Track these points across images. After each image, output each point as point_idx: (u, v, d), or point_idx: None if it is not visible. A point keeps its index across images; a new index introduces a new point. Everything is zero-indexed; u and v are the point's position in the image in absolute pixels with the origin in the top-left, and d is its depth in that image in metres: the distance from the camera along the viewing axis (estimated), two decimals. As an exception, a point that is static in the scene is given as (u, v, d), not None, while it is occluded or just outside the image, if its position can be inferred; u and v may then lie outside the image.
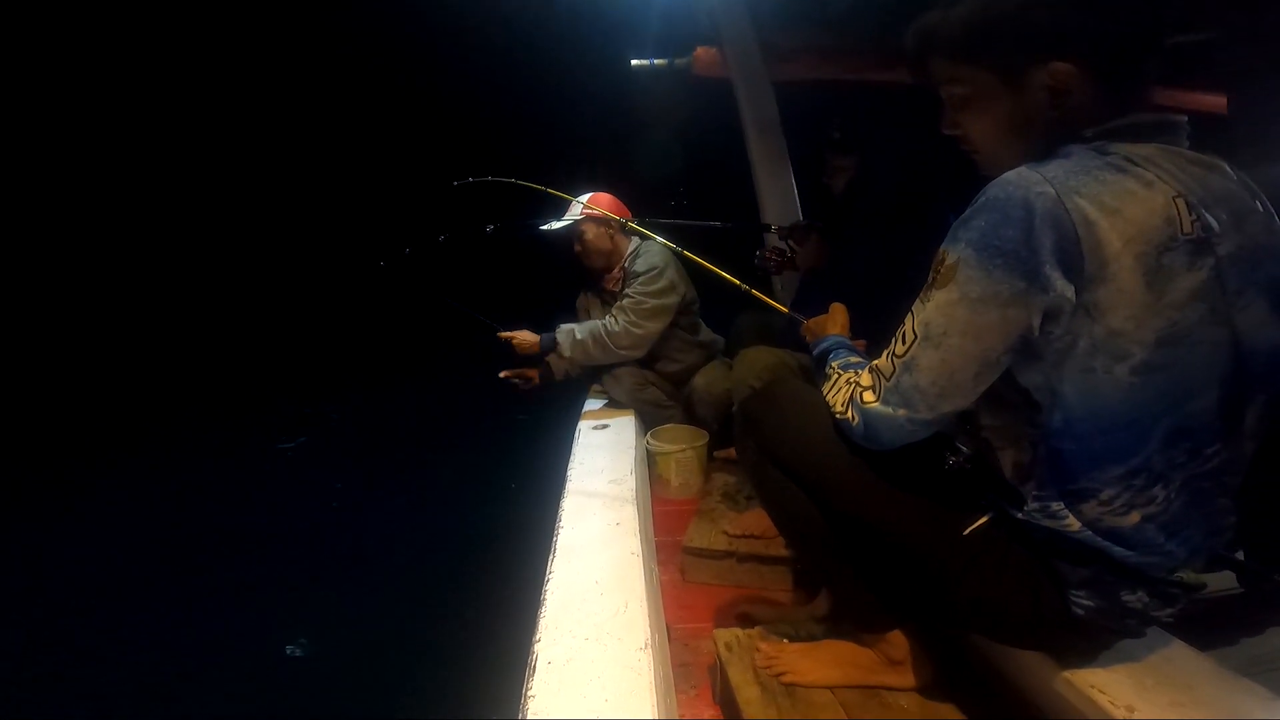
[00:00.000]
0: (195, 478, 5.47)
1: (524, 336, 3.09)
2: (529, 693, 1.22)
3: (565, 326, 3.08)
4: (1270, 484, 1.18)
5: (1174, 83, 2.74)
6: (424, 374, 7.81)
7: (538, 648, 1.35)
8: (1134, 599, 1.13)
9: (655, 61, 3.87)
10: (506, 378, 3.22)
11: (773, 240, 3.09)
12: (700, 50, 3.76)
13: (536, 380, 3.22)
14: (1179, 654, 1.24)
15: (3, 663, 3.36)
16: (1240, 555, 1.48)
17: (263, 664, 3.31)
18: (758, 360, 2.48)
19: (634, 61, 3.87)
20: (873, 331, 1.55)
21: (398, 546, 4.52)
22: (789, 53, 3.63)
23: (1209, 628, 1.29)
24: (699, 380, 3.07)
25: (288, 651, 3.39)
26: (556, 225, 3.08)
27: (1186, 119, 1.04)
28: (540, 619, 1.46)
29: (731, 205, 3.90)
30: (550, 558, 1.75)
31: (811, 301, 1.93)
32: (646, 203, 3.21)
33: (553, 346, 3.05)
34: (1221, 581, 1.45)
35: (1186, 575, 1.15)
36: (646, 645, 1.35)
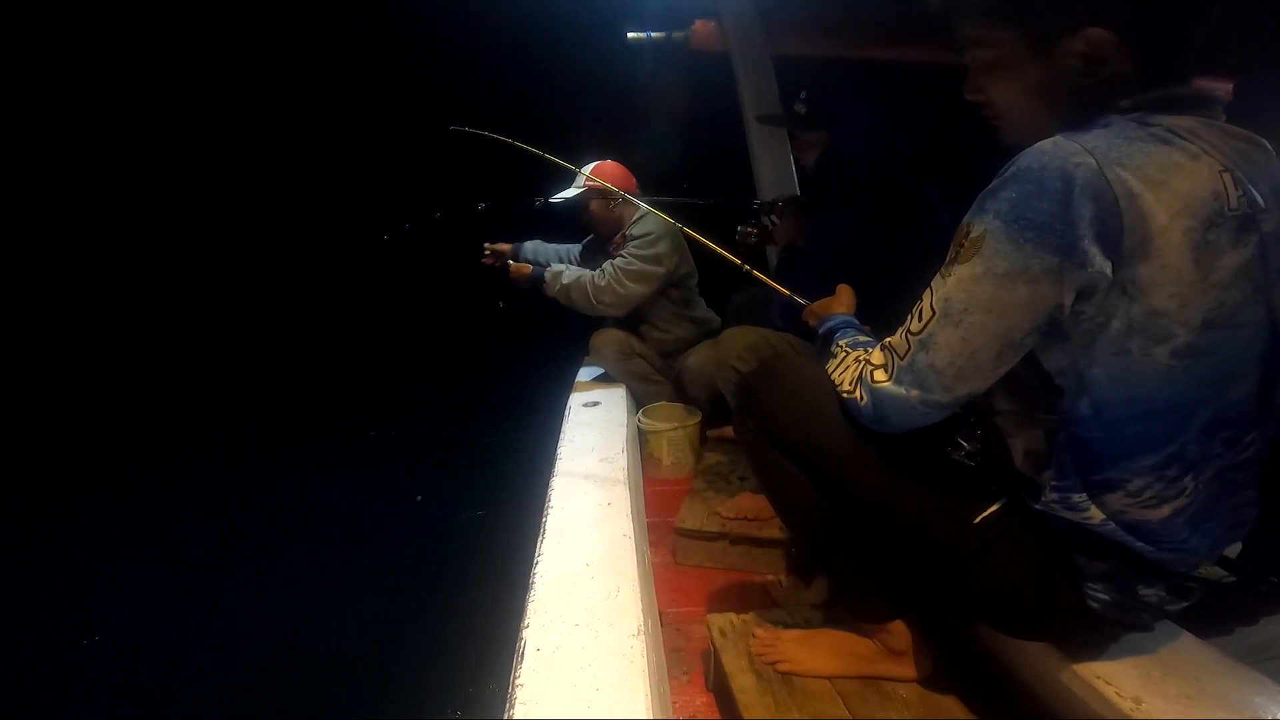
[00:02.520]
0: (187, 474, 5.41)
1: (520, 266, 3.13)
2: (517, 681, 1.18)
3: (556, 267, 3.12)
4: (1271, 481, 1.15)
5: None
6: (415, 353, 7.75)
7: (526, 634, 1.31)
8: (1151, 593, 1.10)
9: (652, 35, 3.80)
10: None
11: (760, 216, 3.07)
12: (699, 24, 3.70)
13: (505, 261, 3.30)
14: (1185, 645, 1.22)
15: (3, 663, 3.32)
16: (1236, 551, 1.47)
17: (257, 661, 3.27)
18: (740, 340, 2.46)
19: (630, 34, 3.80)
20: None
21: (387, 527, 4.49)
22: (790, 27, 3.57)
23: (1203, 617, 1.26)
24: (691, 360, 3.06)
25: (280, 645, 3.35)
26: (558, 200, 3.11)
27: (1223, 93, 0.99)
28: (529, 604, 1.42)
29: (729, 183, 3.86)
30: (539, 539, 1.71)
31: (789, 278, 1.89)
32: (640, 179, 3.19)
33: (540, 282, 3.09)
34: (1217, 571, 1.43)
35: (1205, 570, 1.11)
36: (639, 631, 1.32)
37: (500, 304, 3.10)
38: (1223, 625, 1.41)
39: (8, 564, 4.07)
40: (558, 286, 3.04)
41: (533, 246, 3.44)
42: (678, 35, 3.76)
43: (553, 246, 3.47)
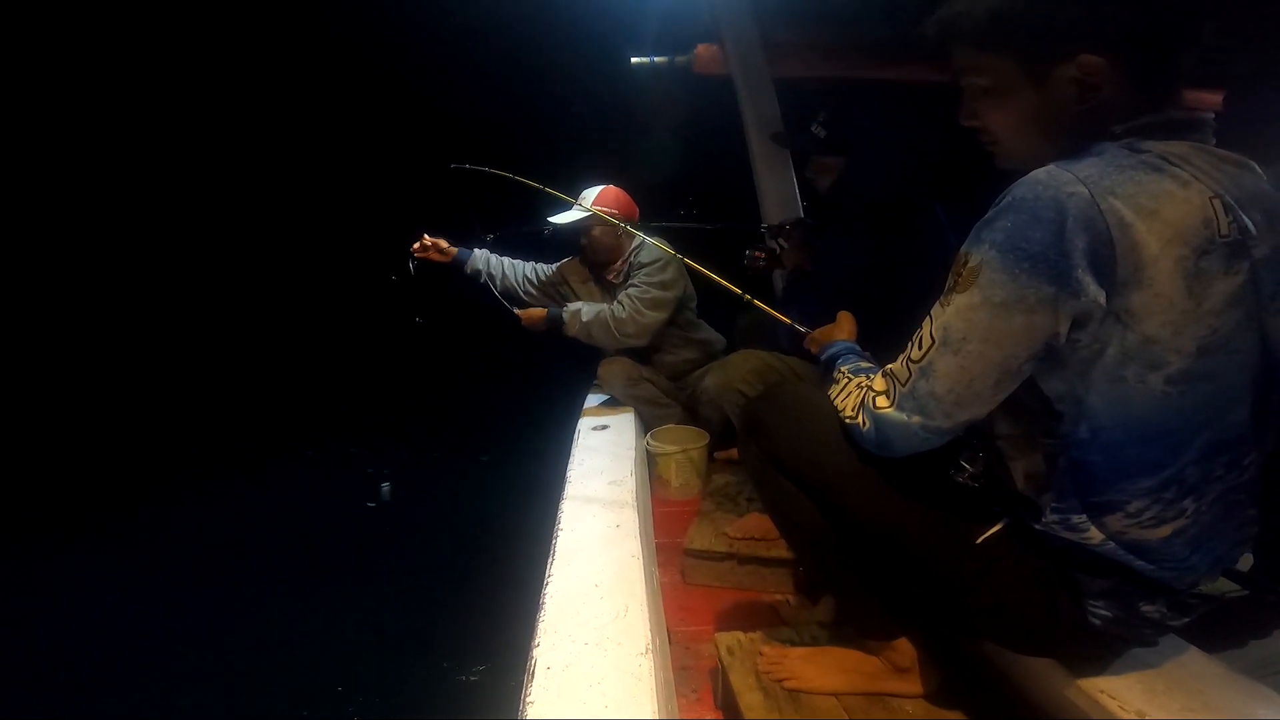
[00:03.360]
0: (193, 482, 5.44)
1: (532, 312, 3.13)
2: (527, 699, 1.20)
3: (573, 306, 3.10)
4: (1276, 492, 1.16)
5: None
6: (427, 381, 7.79)
7: (536, 652, 1.33)
8: (1152, 609, 1.10)
9: (655, 59, 3.84)
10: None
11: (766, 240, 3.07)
12: (701, 47, 3.73)
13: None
14: (1190, 658, 1.23)
15: (5, 665, 3.35)
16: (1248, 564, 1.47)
17: (261, 666, 3.29)
18: (744, 363, 2.46)
19: (634, 59, 3.84)
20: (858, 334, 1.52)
21: (397, 548, 4.50)
22: (791, 49, 3.60)
23: (1215, 630, 1.27)
24: (708, 381, 3.05)
25: (287, 654, 3.37)
26: (562, 222, 3.09)
27: (1213, 115, 1.01)
28: (539, 623, 1.44)
29: (733, 206, 3.88)
30: (549, 560, 1.72)
31: (796, 302, 1.89)
32: (645, 203, 3.21)
33: (559, 322, 3.09)
34: (1227, 584, 1.44)
35: (1206, 586, 1.12)
36: (647, 650, 1.33)
37: (417, 319, 3.06)
38: (1234, 638, 1.41)
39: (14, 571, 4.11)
40: (577, 325, 3.05)
41: (484, 256, 3.28)
42: (680, 60, 3.80)
43: (507, 260, 3.34)
